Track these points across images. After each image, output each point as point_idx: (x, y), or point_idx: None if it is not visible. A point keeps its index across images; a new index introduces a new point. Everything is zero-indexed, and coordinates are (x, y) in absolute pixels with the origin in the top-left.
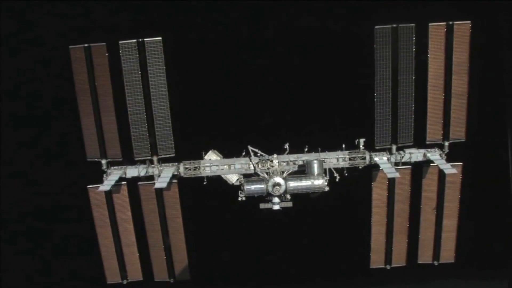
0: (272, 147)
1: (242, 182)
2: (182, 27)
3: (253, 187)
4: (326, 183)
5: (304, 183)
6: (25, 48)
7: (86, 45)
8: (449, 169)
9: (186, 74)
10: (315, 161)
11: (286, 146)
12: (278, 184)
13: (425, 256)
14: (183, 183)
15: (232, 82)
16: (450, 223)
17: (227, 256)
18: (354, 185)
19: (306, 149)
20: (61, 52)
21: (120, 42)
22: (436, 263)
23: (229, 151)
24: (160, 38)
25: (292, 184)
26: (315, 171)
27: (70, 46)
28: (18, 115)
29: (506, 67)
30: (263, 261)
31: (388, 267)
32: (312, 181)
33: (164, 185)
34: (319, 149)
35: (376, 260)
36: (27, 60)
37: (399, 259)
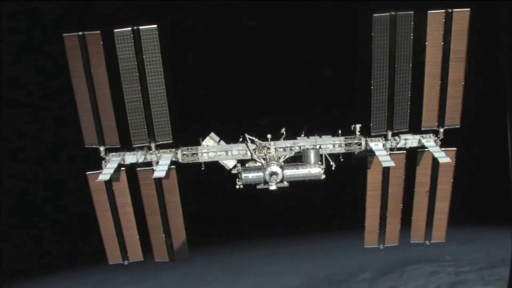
0: (269, 132)
1: (240, 170)
2: (178, 14)
3: (251, 176)
4: (322, 171)
5: (301, 171)
6: (21, 36)
7: (80, 33)
8: (443, 157)
9: (183, 62)
10: (312, 150)
11: (283, 130)
12: (275, 173)
13: (417, 236)
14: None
15: (228, 70)
16: (443, 205)
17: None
18: (350, 170)
19: (302, 135)
20: (56, 40)
21: (115, 30)
22: (428, 242)
23: (227, 137)
24: (155, 26)
25: (289, 172)
26: (312, 159)
27: (64, 34)
28: (16, 104)
29: (504, 58)
30: (262, 245)
31: (381, 246)
32: (309, 169)
33: (163, 174)
34: (315, 134)
35: (370, 240)
36: (23, 48)
37: (392, 239)
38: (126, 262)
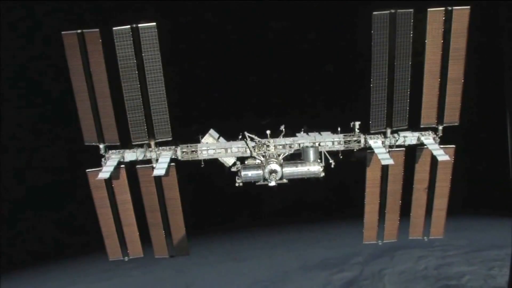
0: (269, 130)
1: (239, 168)
2: (178, 12)
3: (250, 173)
4: (321, 169)
5: (300, 169)
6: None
7: (79, 31)
8: (442, 155)
9: (182, 60)
10: (311, 148)
11: (282, 128)
12: (275, 171)
13: (416, 232)
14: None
15: (228, 68)
16: (441, 202)
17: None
18: (349, 167)
19: (302, 132)
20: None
21: (114, 28)
22: (426, 238)
23: (226, 134)
24: (154, 23)
25: (288, 170)
26: (311, 157)
27: (63, 32)
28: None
29: (505, 56)
30: (262, 235)
31: (380, 242)
32: (308, 167)
33: (162, 172)
34: (315, 132)
35: (369, 237)
36: (23, 45)
37: (390, 236)
38: (126, 259)
